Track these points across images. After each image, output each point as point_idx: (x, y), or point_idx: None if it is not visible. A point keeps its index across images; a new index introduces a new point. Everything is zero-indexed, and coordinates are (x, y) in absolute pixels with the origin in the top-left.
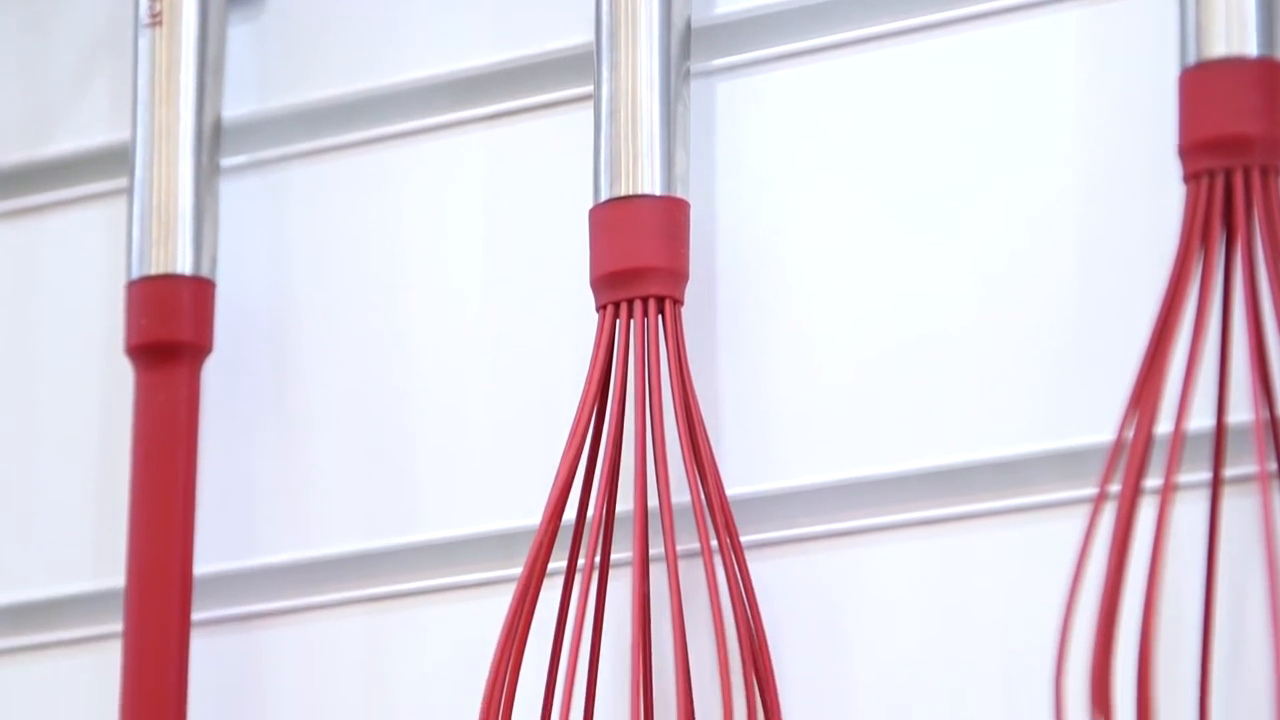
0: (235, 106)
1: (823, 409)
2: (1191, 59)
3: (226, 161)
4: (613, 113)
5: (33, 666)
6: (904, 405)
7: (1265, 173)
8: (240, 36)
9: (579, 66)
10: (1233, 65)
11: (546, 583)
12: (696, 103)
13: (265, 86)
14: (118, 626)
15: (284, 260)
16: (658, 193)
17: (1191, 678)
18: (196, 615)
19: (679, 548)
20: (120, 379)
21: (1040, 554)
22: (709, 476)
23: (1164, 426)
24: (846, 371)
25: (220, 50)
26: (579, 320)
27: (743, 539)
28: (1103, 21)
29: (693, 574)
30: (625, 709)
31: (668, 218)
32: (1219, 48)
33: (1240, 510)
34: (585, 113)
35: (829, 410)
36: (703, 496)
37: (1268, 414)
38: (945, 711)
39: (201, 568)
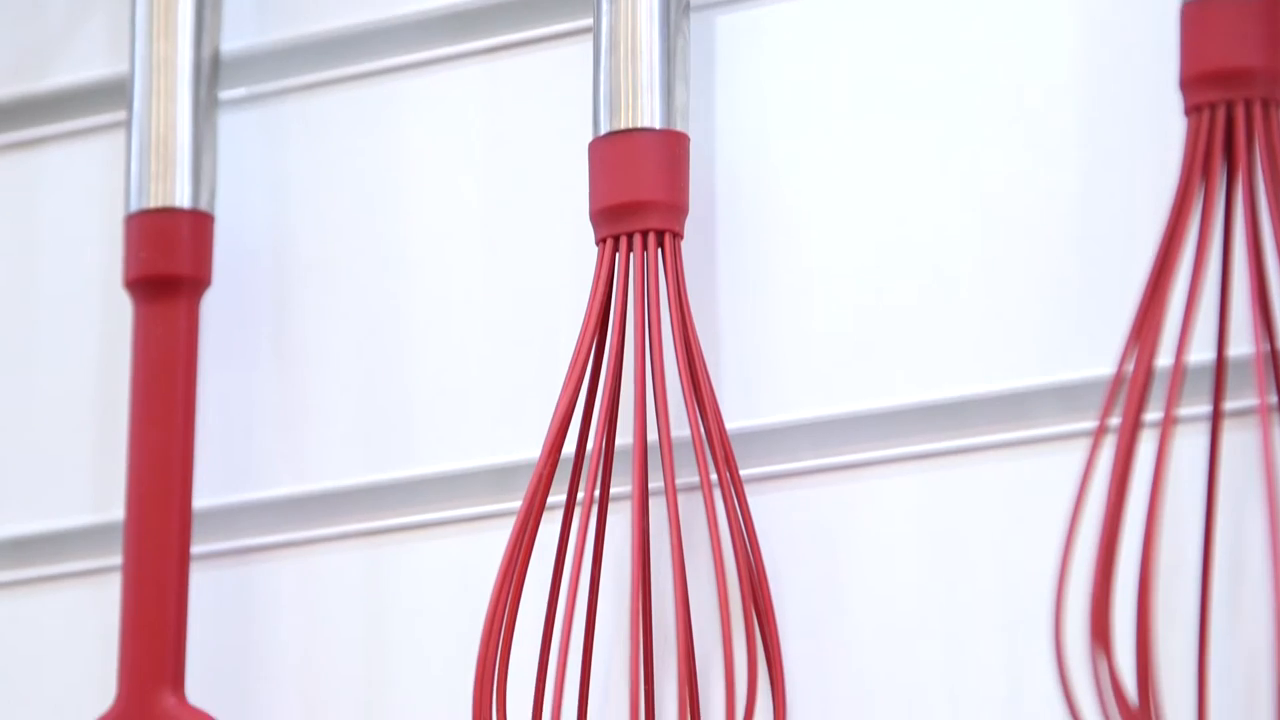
0: (234, 39)
1: (822, 343)
2: None
3: (225, 94)
4: (612, 46)
5: (32, 600)
6: (903, 339)
7: (1266, 105)
8: None
9: None
10: None
11: (546, 516)
12: (696, 36)
13: (264, 19)
14: (117, 560)
15: (283, 193)
16: (657, 126)
17: (1191, 611)
18: (195, 548)
19: (678, 481)
20: (119, 312)
21: (1040, 487)
22: (708, 410)
23: (1164, 360)
24: (846, 306)
25: None
26: (578, 254)
27: (742, 473)
28: None
29: (692, 508)
30: (625, 643)
31: (667, 151)
32: None
33: (1240, 444)
34: (585, 46)
35: (828, 344)
36: (702, 430)
37: (1268, 347)
38: (944, 645)
39: (200, 501)
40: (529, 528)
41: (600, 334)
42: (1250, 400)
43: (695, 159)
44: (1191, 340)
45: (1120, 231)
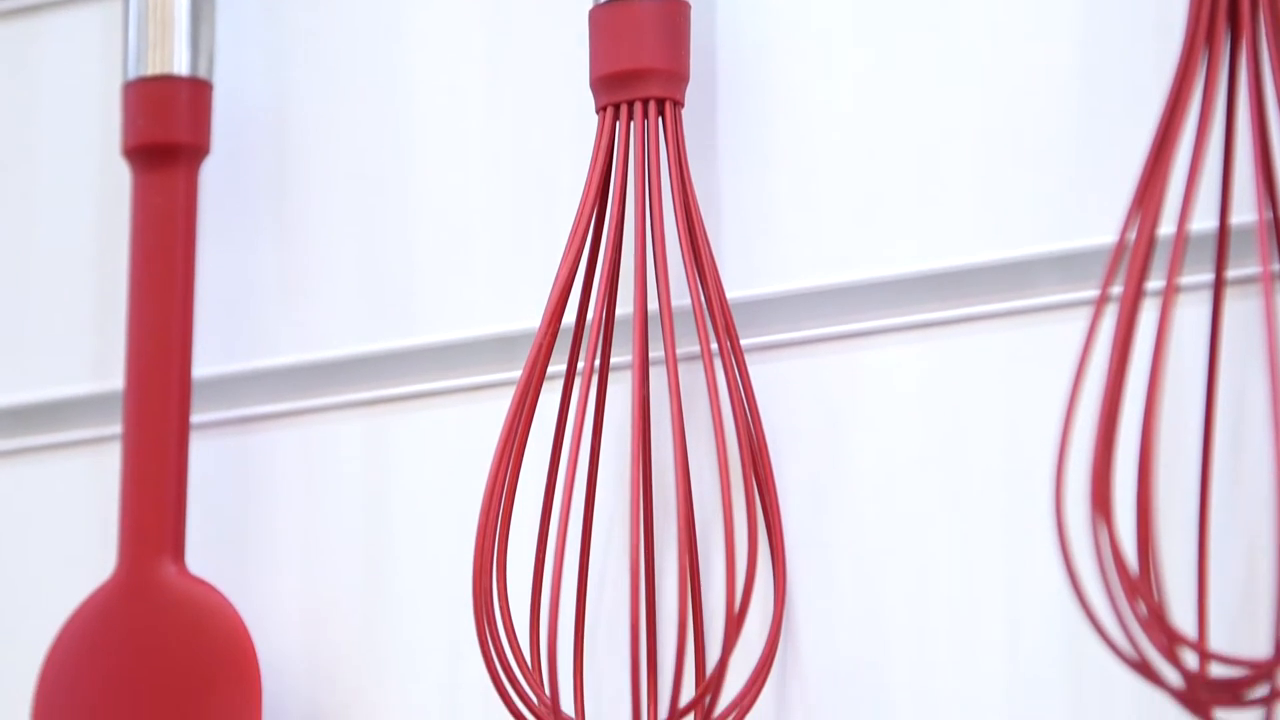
0: None
1: (823, 212)
2: None
3: None
4: None
5: (32, 469)
6: (905, 207)
7: None
8: None
9: None
10: None
11: (546, 386)
12: None
13: None
14: (117, 429)
15: (282, 60)
16: None
17: (1192, 479)
18: (195, 417)
19: (679, 351)
20: (118, 180)
21: (1042, 356)
22: (709, 279)
23: (1166, 228)
24: (847, 175)
25: None
26: (579, 122)
27: (743, 342)
28: None
29: (692, 377)
30: (625, 512)
31: (668, 18)
32: None
33: (1242, 312)
34: None
35: (829, 213)
36: (702, 299)
37: (1271, 214)
38: (945, 513)
39: (200, 370)
40: (529, 397)
41: (600, 203)
42: (1253, 268)
43: (696, 27)
44: (1194, 208)
45: (1123, 99)
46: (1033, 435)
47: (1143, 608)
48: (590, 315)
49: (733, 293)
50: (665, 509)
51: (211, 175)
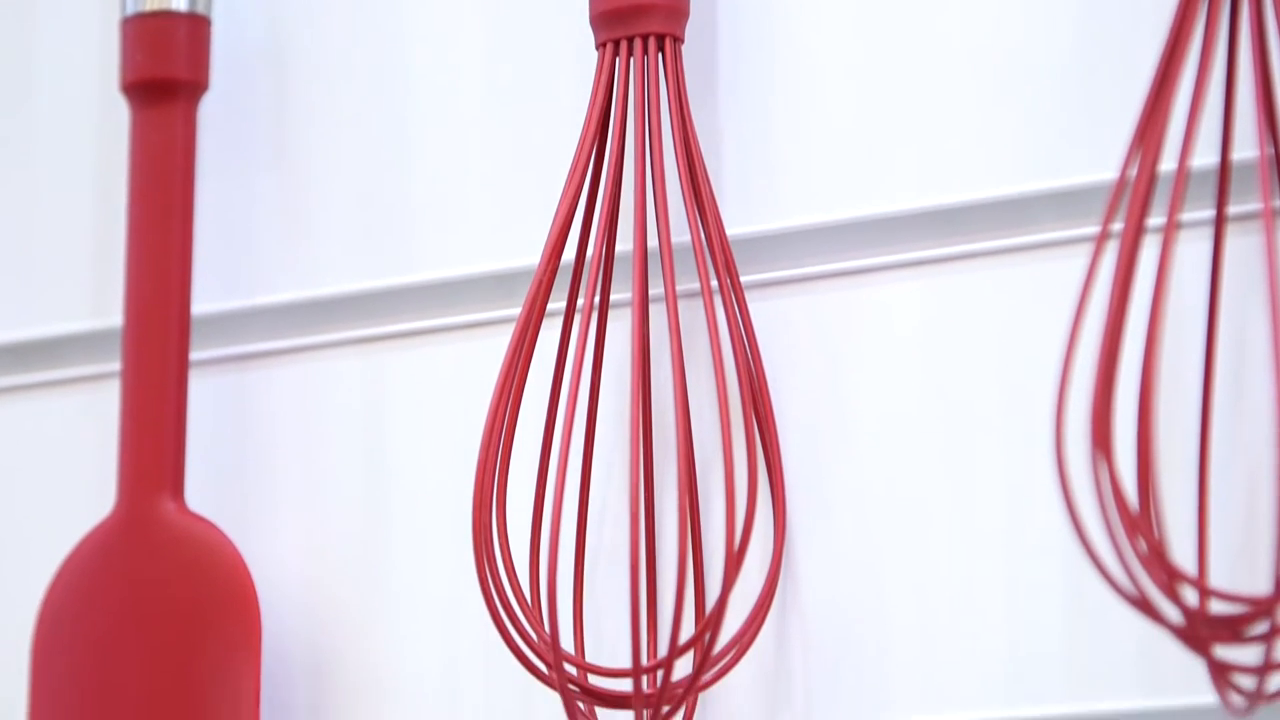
0: None
1: (824, 148)
2: None
3: None
4: None
5: (31, 405)
6: (905, 144)
7: None
8: None
9: None
10: None
11: (546, 323)
12: None
13: None
14: (116, 366)
15: None
16: None
17: (1192, 416)
18: (194, 354)
19: (679, 288)
20: (116, 117)
21: (1042, 293)
22: (709, 216)
23: (1167, 164)
24: (848, 111)
25: None
26: (579, 57)
27: (743, 279)
28: None
29: (692, 314)
30: (625, 449)
31: None
32: None
33: (1243, 248)
34: None
35: (830, 150)
36: (702, 236)
37: (1272, 150)
38: (945, 450)
39: (199, 307)
40: (528, 334)
41: (600, 139)
42: (1254, 204)
43: None
44: (1195, 144)
45: (1124, 34)
46: (1033, 372)
47: (1143, 545)
48: (590, 252)
49: (733, 229)
50: (665, 446)
51: (210, 112)
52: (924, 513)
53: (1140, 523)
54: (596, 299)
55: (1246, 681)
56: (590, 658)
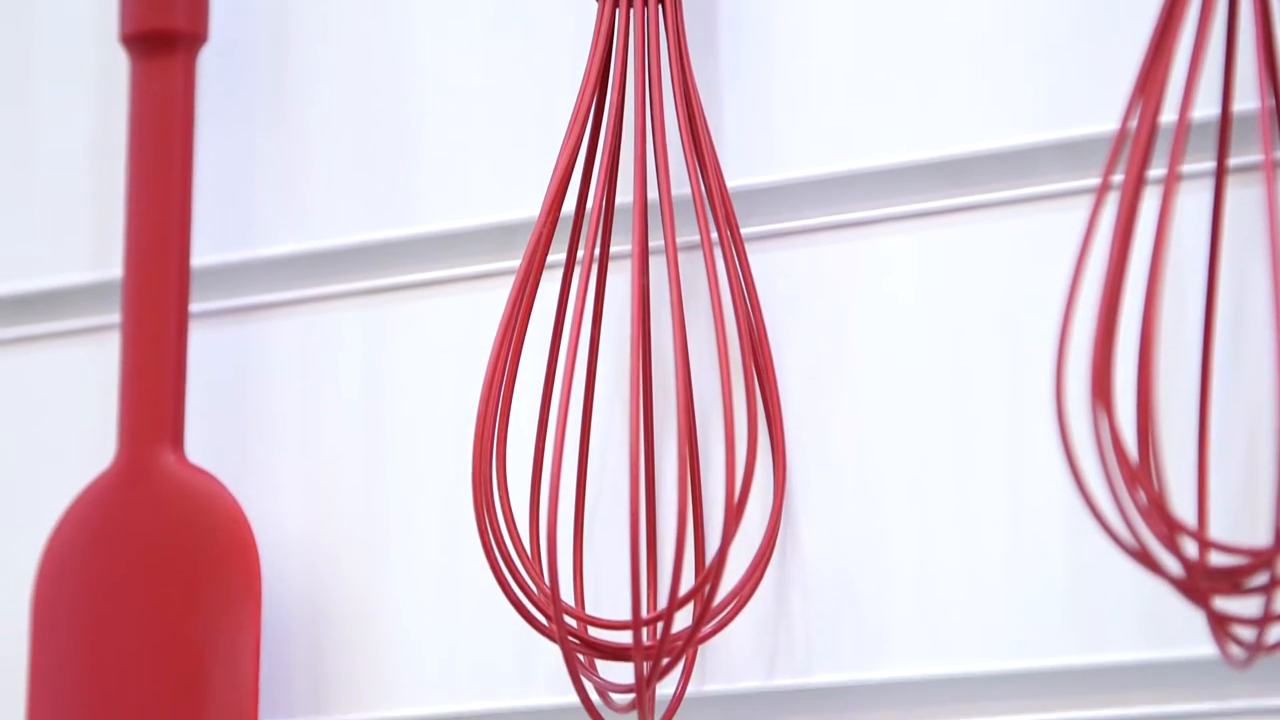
0: None
1: (824, 100)
2: None
3: None
4: None
5: (31, 357)
6: (906, 95)
7: None
8: None
9: None
10: None
11: (546, 275)
12: None
13: None
14: (116, 317)
15: None
16: None
17: (1193, 368)
18: (194, 306)
19: (679, 240)
20: (116, 68)
21: (1043, 244)
22: (709, 168)
23: (1168, 116)
24: (848, 63)
25: None
26: (579, 9)
27: (743, 231)
28: None
29: (692, 266)
30: (625, 401)
31: None
32: None
33: (1244, 199)
34: None
35: (830, 101)
36: (703, 188)
37: (1273, 102)
38: (945, 401)
39: (199, 259)
40: (528, 286)
41: (600, 91)
42: (1254, 156)
43: None
44: (1196, 96)
45: None
46: (1034, 323)
47: (1143, 496)
48: (590, 204)
49: (733, 181)
50: (665, 398)
51: (210, 63)
52: (924, 465)
53: (1140, 474)
54: (596, 251)
55: (1246, 633)
56: (590, 610)
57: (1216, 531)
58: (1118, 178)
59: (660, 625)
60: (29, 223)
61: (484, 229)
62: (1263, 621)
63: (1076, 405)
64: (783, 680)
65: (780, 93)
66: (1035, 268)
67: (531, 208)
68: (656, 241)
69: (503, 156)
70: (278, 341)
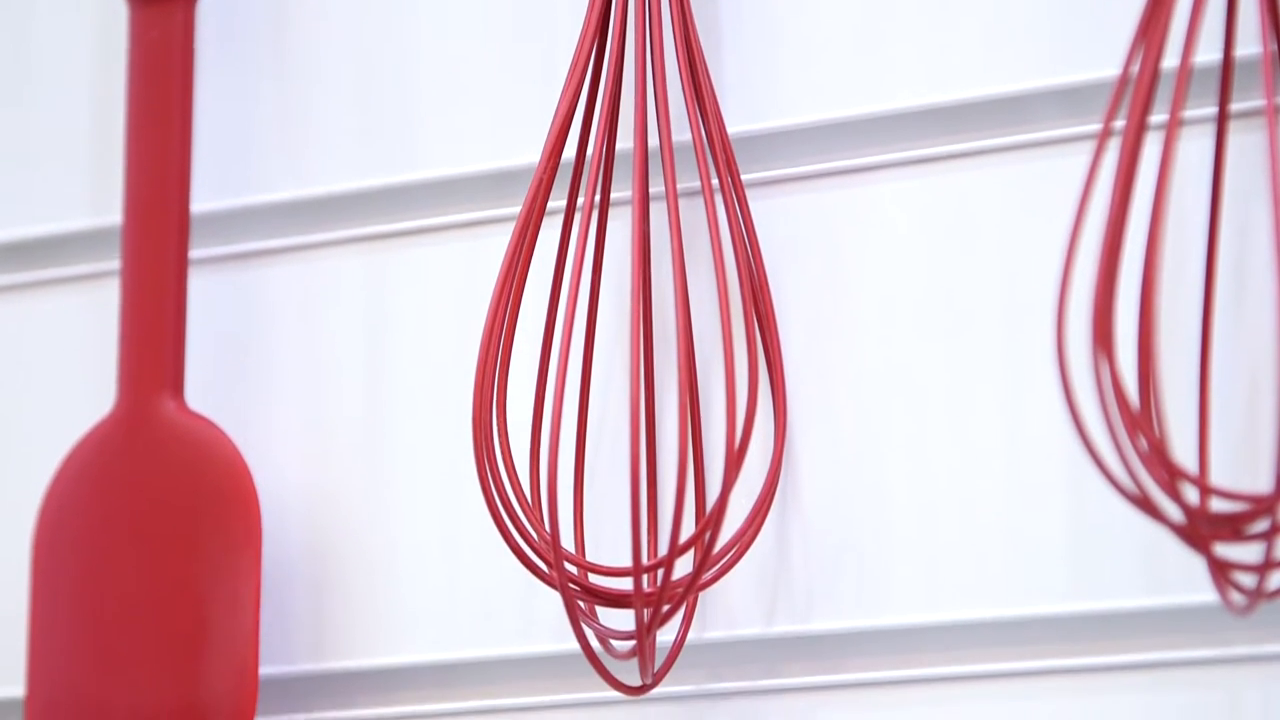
0: None
1: (825, 46)
2: None
3: None
4: None
5: (31, 304)
6: (907, 41)
7: None
8: None
9: None
10: None
11: (546, 221)
12: None
13: None
14: (116, 264)
15: None
16: None
17: (1194, 314)
18: (194, 253)
19: (679, 186)
20: (115, 14)
21: (1044, 190)
22: (710, 113)
23: (1170, 61)
24: (849, 7)
25: None
26: None
27: (744, 177)
28: None
29: (693, 213)
30: (625, 348)
31: None
32: None
33: (1245, 145)
34: None
35: (830, 47)
36: (703, 134)
37: (1275, 47)
38: (945, 348)
39: (198, 205)
40: (529, 233)
41: (600, 36)
42: (1257, 101)
43: None
44: (1198, 41)
45: None
46: (1034, 270)
47: (1144, 442)
48: (590, 150)
49: (733, 127)
50: (665, 345)
51: (209, 9)
52: (925, 412)
53: (1141, 420)
54: (597, 197)
55: (1247, 580)
56: (591, 557)
57: (1217, 478)
58: (1119, 123)
59: (661, 572)
60: (29, 169)
61: (484, 175)
62: (1263, 568)
63: (1077, 352)
64: (783, 627)
65: (781, 39)
66: (1036, 214)
67: (532, 154)
68: (657, 188)
69: (503, 102)
70: (277, 287)
